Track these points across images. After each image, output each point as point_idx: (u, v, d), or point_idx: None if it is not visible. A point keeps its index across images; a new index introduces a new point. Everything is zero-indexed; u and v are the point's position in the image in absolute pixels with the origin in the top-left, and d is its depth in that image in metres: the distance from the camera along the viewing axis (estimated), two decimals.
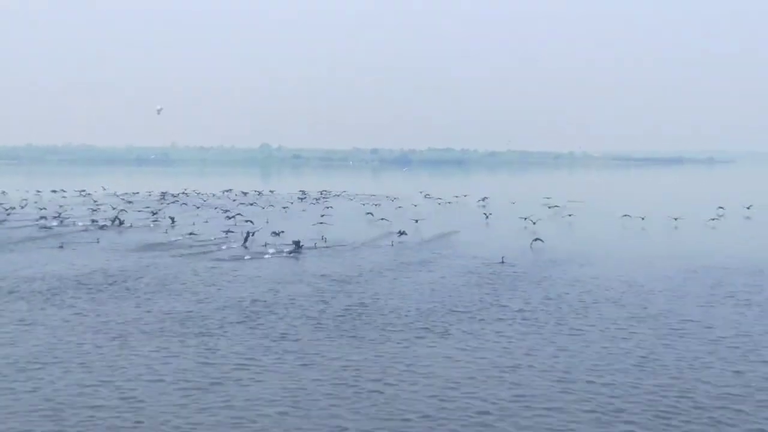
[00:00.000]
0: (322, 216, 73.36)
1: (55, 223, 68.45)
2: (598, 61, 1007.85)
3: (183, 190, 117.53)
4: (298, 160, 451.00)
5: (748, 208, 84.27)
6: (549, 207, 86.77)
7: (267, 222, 67.49)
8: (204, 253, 49.78)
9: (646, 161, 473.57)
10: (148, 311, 31.88)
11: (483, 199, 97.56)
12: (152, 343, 26.81)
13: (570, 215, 79.67)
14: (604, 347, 26.56)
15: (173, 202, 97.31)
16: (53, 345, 26.36)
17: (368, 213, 79.25)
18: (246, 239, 54.01)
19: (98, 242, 54.32)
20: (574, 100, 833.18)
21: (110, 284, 37.80)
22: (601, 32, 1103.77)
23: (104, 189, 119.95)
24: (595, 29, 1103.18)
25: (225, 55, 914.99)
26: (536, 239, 54.60)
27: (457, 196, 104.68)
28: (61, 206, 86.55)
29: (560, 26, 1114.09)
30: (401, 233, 57.53)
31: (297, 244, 50.48)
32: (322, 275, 40.96)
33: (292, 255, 48.76)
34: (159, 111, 77.95)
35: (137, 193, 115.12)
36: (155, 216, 74.54)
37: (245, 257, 47.51)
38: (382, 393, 21.70)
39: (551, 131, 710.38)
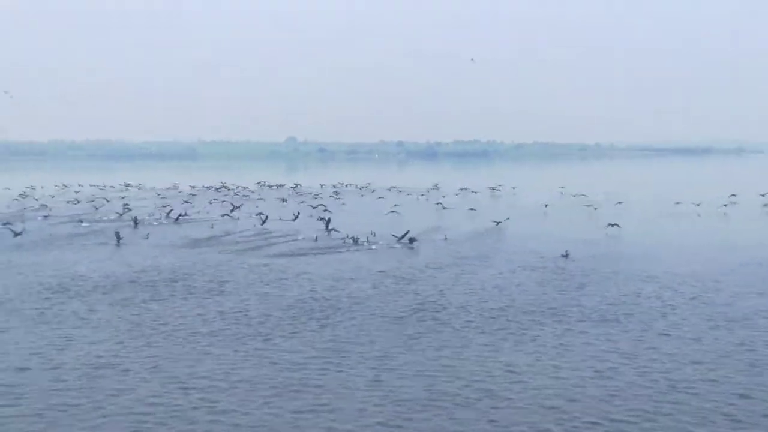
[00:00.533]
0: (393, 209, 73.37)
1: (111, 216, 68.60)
2: (623, 52, 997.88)
3: (222, 184, 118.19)
4: (323, 153, 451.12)
5: None
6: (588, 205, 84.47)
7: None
8: (270, 245, 49.56)
9: (673, 151, 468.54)
10: (219, 310, 30.71)
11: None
12: (225, 344, 25.62)
13: (620, 203, 78.12)
14: (701, 347, 25.00)
15: (226, 195, 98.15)
16: (121, 347, 25.27)
17: (438, 203, 78.18)
18: (327, 226, 55.25)
19: (158, 237, 53.43)
20: (600, 91, 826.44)
21: (173, 281, 36.79)
22: (627, 22, 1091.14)
23: (140, 184, 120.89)
24: (620, 20, 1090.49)
25: (250, 49, 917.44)
26: (612, 224, 52.85)
27: (493, 188, 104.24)
28: (107, 200, 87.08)
29: (584, 17, 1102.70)
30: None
31: (355, 239, 50.52)
32: (381, 271, 39.68)
33: (353, 249, 48.05)
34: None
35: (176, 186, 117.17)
36: (228, 210, 73.53)
37: (312, 252, 46.71)
38: (484, 402, 20.23)
39: (577, 123, 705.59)
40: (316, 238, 52.15)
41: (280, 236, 54.29)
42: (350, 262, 43.04)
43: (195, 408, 19.76)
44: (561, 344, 25.57)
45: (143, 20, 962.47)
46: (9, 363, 23.50)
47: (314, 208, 74.08)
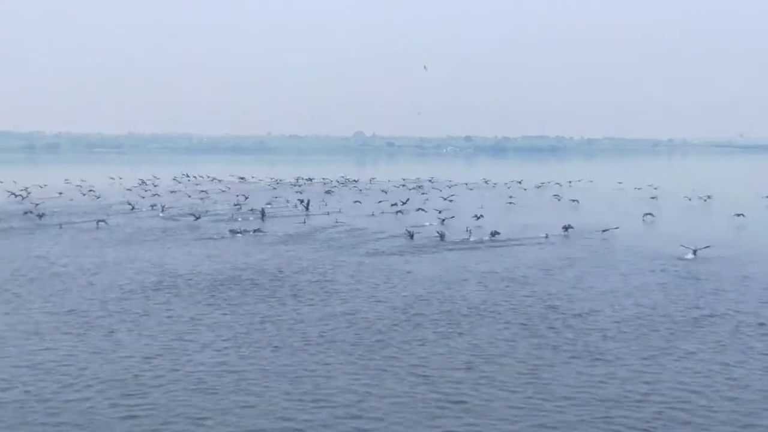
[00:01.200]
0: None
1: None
2: (695, 45, 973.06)
3: (309, 177, 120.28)
4: (391, 147, 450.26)
5: None
6: (700, 197, 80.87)
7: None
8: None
9: (749, 148, 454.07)
10: (330, 313, 28.77)
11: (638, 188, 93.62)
12: (348, 352, 23.61)
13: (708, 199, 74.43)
14: None
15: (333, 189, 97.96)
16: (238, 353, 23.57)
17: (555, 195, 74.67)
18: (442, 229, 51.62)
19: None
20: (671, 85, 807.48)
21: (275, 280, 35.00)
22: (697, 17, 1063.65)
23: (231, 176, 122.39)
24: (690, 13, 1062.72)
25: (318, 44, 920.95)
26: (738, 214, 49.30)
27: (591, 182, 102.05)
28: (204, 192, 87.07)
29: (656, 12, 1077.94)
30: (567, 227, 52.10)
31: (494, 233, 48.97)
32: (491, 271, 37.15)
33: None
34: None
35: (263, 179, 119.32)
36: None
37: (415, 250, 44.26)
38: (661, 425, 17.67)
39: (649, 117, 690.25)
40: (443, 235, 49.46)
41: (375, 232, 52.19)
42: (452, 261, 40.62)
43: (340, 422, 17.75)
44: (727, 359, 22.72)
45: (218, 17, 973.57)
46: (126, 368, 21.82)
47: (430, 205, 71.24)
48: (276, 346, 24.18)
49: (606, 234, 50.13)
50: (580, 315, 28.31)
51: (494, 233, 49.02)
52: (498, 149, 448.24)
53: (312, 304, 30.16)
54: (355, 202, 71.67)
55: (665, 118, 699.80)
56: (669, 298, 31.17)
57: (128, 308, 29.50)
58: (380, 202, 73.95)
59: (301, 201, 69.92)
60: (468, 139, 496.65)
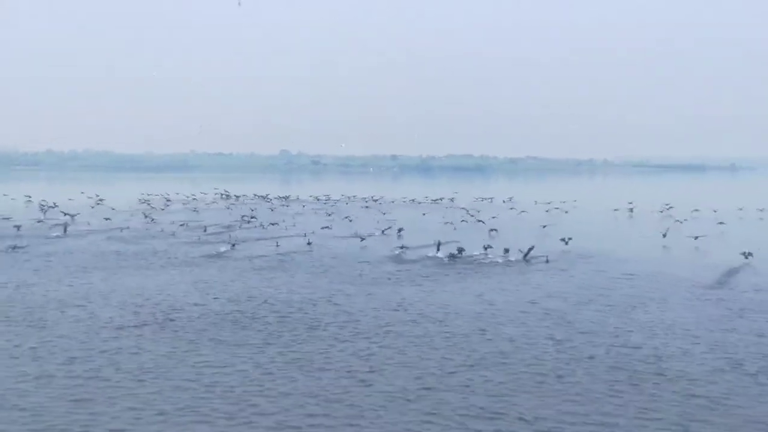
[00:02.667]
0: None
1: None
2: (615, 67, 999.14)
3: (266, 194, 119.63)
4: (317, 166, 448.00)
5: None
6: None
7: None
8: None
9: (667, 168, 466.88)
10: (384, 361, 24.47)
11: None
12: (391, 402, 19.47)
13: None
14: None
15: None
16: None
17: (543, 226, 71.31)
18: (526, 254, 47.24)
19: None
20: (592, 107, 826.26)
21: (293, 314, 30.47)
22: (617, 40, 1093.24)
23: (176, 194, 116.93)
24: (610, 36, 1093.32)
25: (242, 61, 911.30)
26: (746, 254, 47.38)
27: (564, 201, 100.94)
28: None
29: (574, 34, 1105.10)
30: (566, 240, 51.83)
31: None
32: (532, 302, 33.57)
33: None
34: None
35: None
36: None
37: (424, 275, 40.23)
38: None
39: (569, 138, 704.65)
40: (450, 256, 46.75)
41: (357, 255, 48.22)
42: (481, 287, 36.88)
43: None
44: None
45: (142, 31, 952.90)
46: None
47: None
48: (308, 394, 20.08)
49: (610, 252, 48.20)
50: (680, 357, 24.91)
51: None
52: (424, 168, 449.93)
53: (336, 342, 26.08)
54: (324, 227, 66.97)
55: (586, 139, 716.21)
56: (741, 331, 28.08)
57: (118, 347, 25.12)
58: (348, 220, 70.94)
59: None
60: (394, 157, 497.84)
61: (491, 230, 62.79)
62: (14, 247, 49.11)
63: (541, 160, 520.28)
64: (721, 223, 72.02)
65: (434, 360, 24.04)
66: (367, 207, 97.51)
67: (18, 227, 61.30)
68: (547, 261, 45.58)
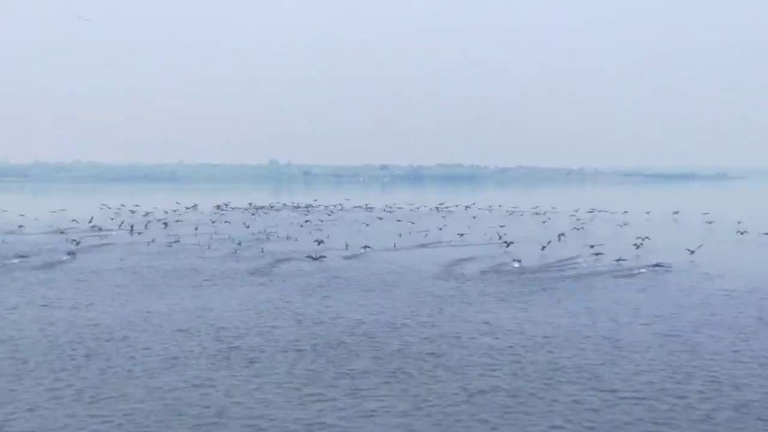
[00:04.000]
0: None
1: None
2: (606, 78, 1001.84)
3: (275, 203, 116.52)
4: (308, 176, 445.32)
5: None
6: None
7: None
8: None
9: (657, 177, 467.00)
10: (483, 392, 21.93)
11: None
12: None
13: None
14: None
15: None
16: None
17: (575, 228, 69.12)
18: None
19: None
20: (582, 115, 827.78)
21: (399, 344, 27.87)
22: (609, 50, 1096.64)
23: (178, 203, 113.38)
24: (601, 46, 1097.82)
25: (232, 71, 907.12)
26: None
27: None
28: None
29: (567, 44, 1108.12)
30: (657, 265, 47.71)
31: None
32: (661, 314, 31.12)
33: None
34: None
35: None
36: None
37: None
38: None
39: (559, 147, 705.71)
40: None
41: (418, 269, 45.66)
42: (566, 305, 34.39)
43: None
44: None
45: (128, 41, 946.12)
46: None
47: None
48: None
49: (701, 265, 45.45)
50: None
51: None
52: (414, 177, 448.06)
53: (449, 378, 23.50)
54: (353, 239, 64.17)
55: (577, 148, 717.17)
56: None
57: (183, 382, 22.33)
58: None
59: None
60: (384, 167, 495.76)
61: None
62: (70, 253, 48.25)
63: (532, 169, 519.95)
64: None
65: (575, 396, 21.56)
66: (380, 218, 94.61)
67: (75, 240, 59.61)
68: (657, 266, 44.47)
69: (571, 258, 51.52)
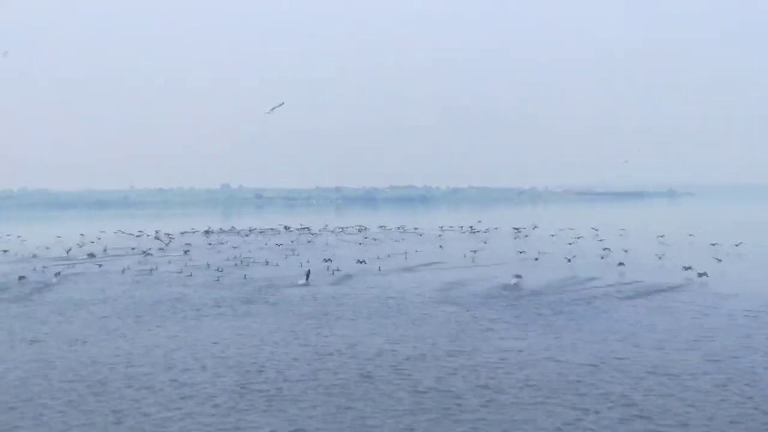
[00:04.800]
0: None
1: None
2: (554, 96, 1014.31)
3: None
4: (260, 199, 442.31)
5: None
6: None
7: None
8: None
9: (608, 195, 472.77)
10: None
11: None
12: None
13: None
14: None
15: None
16: None
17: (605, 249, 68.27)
18: None
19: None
20: (529, 136, 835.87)
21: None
22: (553, 69, 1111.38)
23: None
24: (545, 66, 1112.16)
25: (181, 92, 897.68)
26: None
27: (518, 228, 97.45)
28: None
29: (509, 65, 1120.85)
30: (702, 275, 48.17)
31: None
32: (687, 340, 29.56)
33: None
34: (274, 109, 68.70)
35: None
36: None
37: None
38: None
39: (509, 167, 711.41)
40: None
41: (410, 293, 43.68)
42: (582, 331, 32.74)
43: None
44: None
45: (67, 71, 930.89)
46: None
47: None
48: None
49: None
50: None
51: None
52: (367, 199, 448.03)
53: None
54: (326, 260, 62.06)
55: (526, 167, 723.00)
56: None
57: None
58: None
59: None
60: (337, 189, 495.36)
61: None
62: (43, 284, 44.13)
63: (483, 189, 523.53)
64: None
65: None
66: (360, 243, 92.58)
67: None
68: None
69: (568, 278, 50.26)
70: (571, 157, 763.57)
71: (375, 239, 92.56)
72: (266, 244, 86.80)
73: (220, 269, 57.36)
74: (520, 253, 69.13)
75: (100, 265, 61.55)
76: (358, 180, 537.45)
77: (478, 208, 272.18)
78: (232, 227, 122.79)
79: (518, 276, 47.85)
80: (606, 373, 25.25)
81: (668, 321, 34.84)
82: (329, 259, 61.50)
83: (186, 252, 74.95)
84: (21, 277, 52.28)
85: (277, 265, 62.31)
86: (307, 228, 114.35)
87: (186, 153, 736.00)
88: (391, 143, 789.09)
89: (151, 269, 58.76)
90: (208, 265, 61.16)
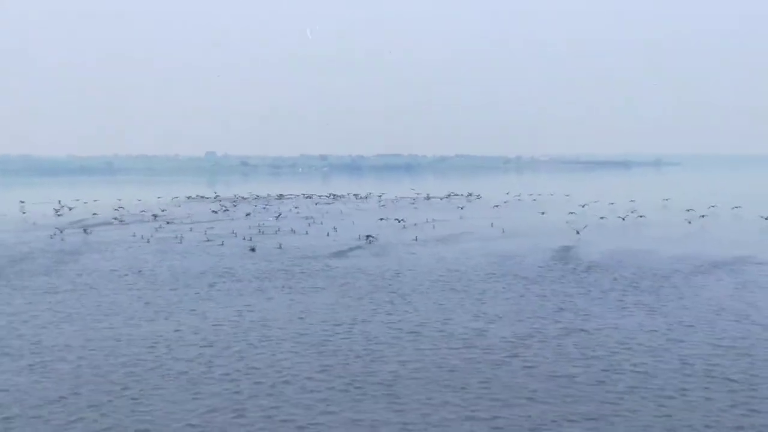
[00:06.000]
0: None
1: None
2: (543, 67, 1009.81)
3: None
4: (246, 167, 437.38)
5: None
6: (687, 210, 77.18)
7: None
8: None
9: (594, 164, 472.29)
10: None
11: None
12: None
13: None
14: None
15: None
16: None
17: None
18: None
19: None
20: (519, 104, 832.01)
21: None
22: (543, 40, 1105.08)
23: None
24: (538, 35, 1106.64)
25: (166, 59, 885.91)
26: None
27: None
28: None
29: (500, 35, 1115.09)
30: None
31: None
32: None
33: None
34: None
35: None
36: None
37: None
38: None
39: (497, 136, 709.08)
40: None
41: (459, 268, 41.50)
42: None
43: None
44: None
45: (54, 34, 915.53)
46: None
47: None
48: None
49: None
50: None
51: None
52: (353, 168, 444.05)
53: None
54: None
55: (514, 137, 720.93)
56: None
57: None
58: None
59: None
60: (323, 157, 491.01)
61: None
62: (64, 253, 40.90)
63: (470, 157, 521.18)
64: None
65: None
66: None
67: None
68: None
69: (622, 250, 48.31)
70: (556, 127, 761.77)
71: (384, 206, 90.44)
72: (280, 211, 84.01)
73: (248, 238, 54.92)
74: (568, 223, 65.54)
75: (120, 233, 59.12)
76: (343, 148, 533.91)
77: (465, 176, 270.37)
78: (236, 195, 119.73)
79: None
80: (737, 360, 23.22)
81: (740, 294, 33.09)
82: (365, 232, 58.89)
83: (199, 220, 72.47)
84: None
85: (306, 233, 59.92)
86: (332, 194, 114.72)
87: (170, 121, 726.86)
88: (377, 111, 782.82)
89: (176, 237, 56.24)
90: (233, 233, 58.56)
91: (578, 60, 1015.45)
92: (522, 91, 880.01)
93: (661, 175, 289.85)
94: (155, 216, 74.20)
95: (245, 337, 26.16)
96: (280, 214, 79.29)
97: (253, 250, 49.09)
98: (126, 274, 39.74)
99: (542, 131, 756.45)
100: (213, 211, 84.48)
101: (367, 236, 54.18)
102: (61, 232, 59.16)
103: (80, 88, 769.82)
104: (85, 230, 61.28)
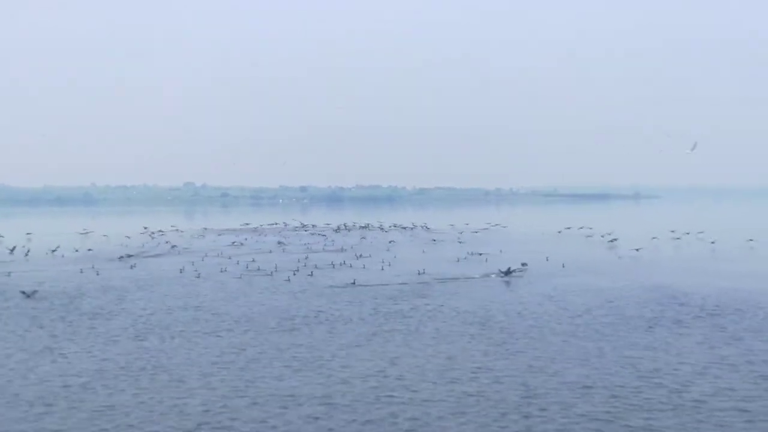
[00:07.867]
0: None
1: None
2: (522, 98, 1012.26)
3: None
4: (226, 198, 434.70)
5: None
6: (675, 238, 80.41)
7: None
8: None
9: (573, 197, 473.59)
10: None
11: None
12: None
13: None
14: None
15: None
16: None
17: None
18: None
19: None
20: (497, 138, 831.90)
21: None
22: (520, 74, 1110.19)
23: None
24: (514, 69, 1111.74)
25: (145, 90, 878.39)
26: None
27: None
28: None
29: (481, 68, 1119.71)
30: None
31: None
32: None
33: None
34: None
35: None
36: None
37: None
38: None
39: (476, 169, 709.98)
40: None
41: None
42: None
43: None
44: None
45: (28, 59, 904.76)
46: None
47: None
48: None
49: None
50: None
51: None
52: (333, 199, 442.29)
53: None
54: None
55: (493, 169, 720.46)
56: None
57: None
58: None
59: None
60: (303, 189, 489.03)
61: None
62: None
63: (450, 190, 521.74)
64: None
65: None
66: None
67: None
68: None
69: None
70: (534, 159, 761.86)
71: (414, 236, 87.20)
72: (305, 243, 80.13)
73: (295, 272, 51.33)
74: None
75: (161, 262, 55.35)
76: (323, 179, 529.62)
77: (447, 208, 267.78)
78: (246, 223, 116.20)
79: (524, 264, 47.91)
80: None
81: None
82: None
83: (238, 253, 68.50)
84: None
85: (363, 267, 56.23)
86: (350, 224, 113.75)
87: (148, 151, 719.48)
88: (356, 143, 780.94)
89: (222, 270, 52.62)
90: (276, 267, 54.56)
91: (558, 91, 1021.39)
92: (501, 123, 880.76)
93: (650, 207, 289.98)
94: (186, 248, 70.30)
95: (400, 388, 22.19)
96: (305, 245, 75.49)
97: (329, 287, 44.98)
98: (160, 312, 35.65)
99: (520, 163, 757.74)
100: (232, 243, 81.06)
101: (507, 270, 50.03)
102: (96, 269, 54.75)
103: (53, 118, 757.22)
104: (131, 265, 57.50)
